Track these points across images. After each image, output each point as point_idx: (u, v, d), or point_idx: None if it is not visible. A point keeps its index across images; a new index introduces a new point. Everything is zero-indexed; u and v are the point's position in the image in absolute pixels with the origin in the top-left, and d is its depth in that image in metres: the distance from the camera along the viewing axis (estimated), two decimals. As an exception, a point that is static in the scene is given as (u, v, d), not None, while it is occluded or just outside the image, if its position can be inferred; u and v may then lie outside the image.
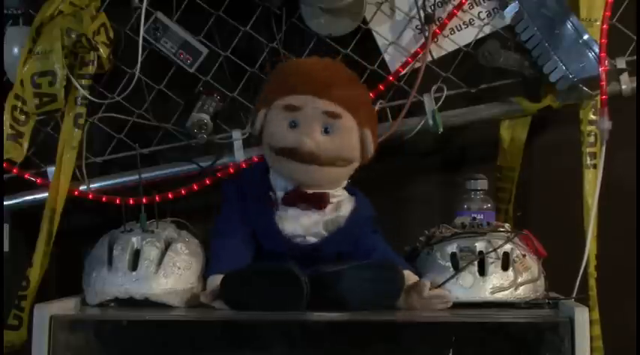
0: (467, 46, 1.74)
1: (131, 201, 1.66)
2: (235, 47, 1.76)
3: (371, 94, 1.68)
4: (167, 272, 1.47)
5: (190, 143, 1.76)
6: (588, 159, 1.68)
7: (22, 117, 1.71)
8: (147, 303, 1.45)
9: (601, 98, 1.66)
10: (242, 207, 1.52)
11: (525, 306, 1.46)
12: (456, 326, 1.34)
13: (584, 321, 1.32)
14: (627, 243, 1.77)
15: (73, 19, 1.67)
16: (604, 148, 1.66)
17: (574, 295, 1.52)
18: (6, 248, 1.81)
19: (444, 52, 1.74)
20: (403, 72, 1.73)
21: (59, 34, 1.66)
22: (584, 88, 1.67)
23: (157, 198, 1.69)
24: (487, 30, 1.74)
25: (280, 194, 1.50)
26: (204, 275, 1.48)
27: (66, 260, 1.74)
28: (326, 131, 1.47)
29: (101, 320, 1.39)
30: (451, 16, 1.72)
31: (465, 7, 1.73)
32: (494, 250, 1.48)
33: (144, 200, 1.57)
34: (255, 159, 1.70)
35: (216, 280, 1.42)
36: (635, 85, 1.71)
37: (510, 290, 1.47)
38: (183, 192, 1.72)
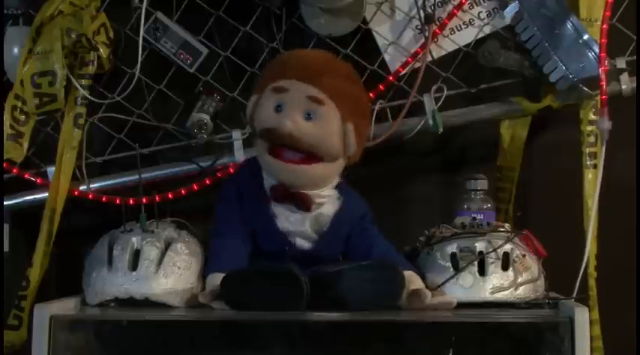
0: (467, 46, 1.74)
1: (131, 201, 1.67)
2: (235, 47, 1.77)
3: (371, 94, 1.68)
4: (167, 272, 1.47)
5: (190, 143, 1.76)
6: (588, 159, 1.68)
7: (22, 117, 1.71)
8: (147, 303, 1.45)
9: (601, 98, 1.66)
10: (240, 206, 1.52)
11: (525, 306, 1.46)
12: (456, 326, 1.34)
13: (584, 321, 1.32)
14: (627, 243, 1.77)
15: (73, 19, 1.67)
16: (604, 148, 1.66)
17: (574, 295, 1.52)
18: (6, 248, 1.81)
19: (444, 52, 1.74)
20: (403, 72, 1.73)
21: (59, 34, 1.66)
22: (584, 88, 1.67)
23: (157, 198, 1.69)
24: (487, 30, 1.74)
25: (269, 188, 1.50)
26: (204, 275, 1.48)
27: (66, 260, 1.74)
28: (308, 117, 1.46)
29: (101, 320, 1.39)
30: (451, 16, 1.72)
31: (465, 7, 1.73)
32: (494, 250, 1.48)
33: (144, 200, 1.57)
34: (255, 159, 1.71)
35: (215, 279, 1.42)
36: (635, 85, 1.71)
37: (510, 290, 1.46)
38: (183, 192, 1.72)
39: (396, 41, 1.74)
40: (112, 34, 1.71)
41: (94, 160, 1.77)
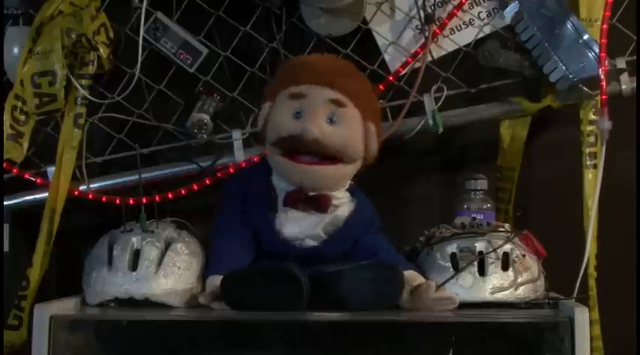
0: (467, 46, 1.74)
1: (131, 201, 1.66)
2: (235, 47, 1.76)
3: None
4: (167, 272, 1.47)
5: (190, 143, 1.76)
6: (588, 159, 1.68)
7: (22, 117, 1.71)
8: (147, 303, 1.45)
9: (601, 98, 1.66)
10: (244, 207, 1.51)
11: (525, 306, 1.46)
12: (456, 326, 1.34)
13: (584, 321, 1.32)
14: (627, 243, 1.77)
15: (73, 19, 1.67)
16: (604, 148, 1.66)
17: (574, 295, 1.52)
18: (6, 248, 1.81)
19: (444, 52, 1.74)
20: (403, 72, 1.73)
21: (59, 34, 1.66)
22: (584, 88, 1.67)
23: (157, 198, 1.69)
24: (487, 30, 1.74)
25: (282, 195, 1.49)
26: (204, 276, 1.48)
27: (66, 260, 1.74)
28: (331, 121, 1.45)
29: (101, 320, 1.39)
30: (451, 16, 1.72)
31: (465, 7, 1.73)
32: (494, 250, 1.48)
33: (144, 200, 1.57)
34: (256, 159, 1.70)
35: (215, 281, 1.42)
36: (635, 85, 1.71)
37: (510, 290, 1.46)
38: (183, 192, 1.72)
39: (396, 41, 1.74)
40: (112, 34, 1.71)
41: (94, 160, 1.77)
